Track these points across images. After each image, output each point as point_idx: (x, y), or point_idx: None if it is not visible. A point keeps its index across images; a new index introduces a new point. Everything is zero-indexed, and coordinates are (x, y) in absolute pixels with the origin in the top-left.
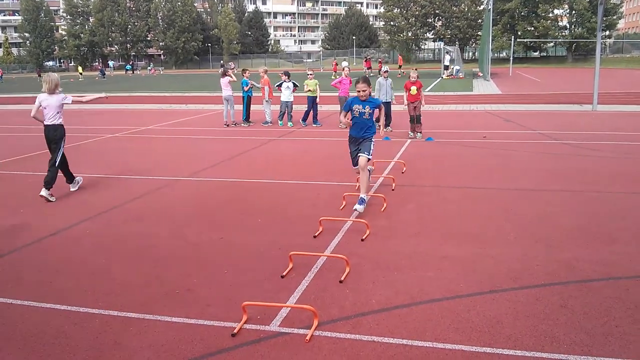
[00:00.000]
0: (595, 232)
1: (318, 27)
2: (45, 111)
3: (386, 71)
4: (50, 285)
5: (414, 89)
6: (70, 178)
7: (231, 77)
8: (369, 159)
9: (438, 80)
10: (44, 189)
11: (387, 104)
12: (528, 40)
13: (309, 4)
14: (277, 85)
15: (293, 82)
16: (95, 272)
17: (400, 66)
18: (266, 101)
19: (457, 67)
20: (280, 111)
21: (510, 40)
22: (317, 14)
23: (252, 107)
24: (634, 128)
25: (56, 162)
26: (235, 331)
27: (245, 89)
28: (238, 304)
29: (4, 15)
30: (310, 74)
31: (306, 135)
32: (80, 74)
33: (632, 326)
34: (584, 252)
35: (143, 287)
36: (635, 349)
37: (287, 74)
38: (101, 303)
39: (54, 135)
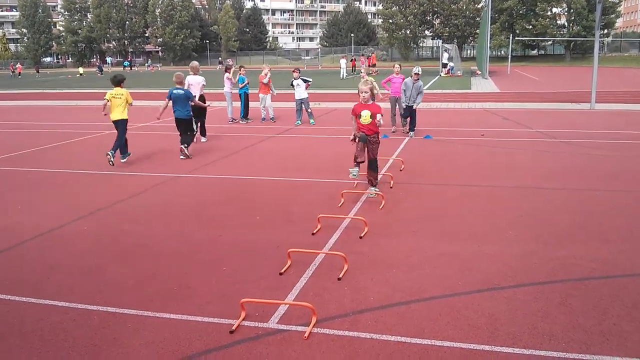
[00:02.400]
0: (594, 230)
1: (316, 24)
2: (191, 87)
3: (417, 73)
4: (48, 281)
5: (365, 114)
6: (204, 133)
7: (229, 74)
8: None
9: (436, 78)
10: (202, 137)
11: (409, 108)
12: (526, 38)
13: (307, 1)
14: (291, 84)
15: (303, 79)
16: (94, 269)
17: (373, 65)
18: (262, 98)
19: (451, 65)
20: (296, 108)
21: (509, 38)
22: (316, 11)
23: (252, 104)
24: (632, 126)
25: (203, 121)
26: (234, 328)
27: (241, 85)
28: (236, 301)
29: (2, 10)
30: (364, 73)
31: (304, 132)
32: (81, 74)
33: (630, 324)
34: (582, 250)
35: (141, 284)
36: (633, 347)
37: (298, 70)
38: (99, 300)
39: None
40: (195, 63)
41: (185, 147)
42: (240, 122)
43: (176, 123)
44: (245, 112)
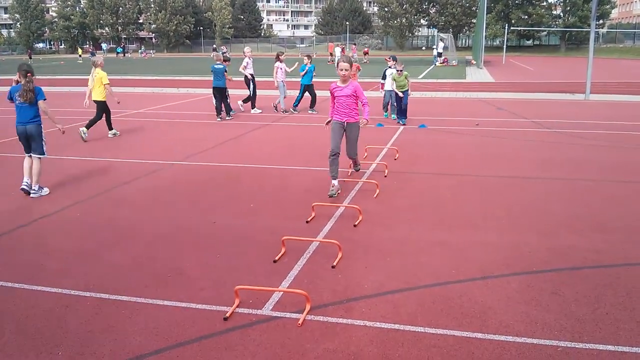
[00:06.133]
0: (587, 220)
1: (311, 11)
2: (247, 66)
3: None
4: (41, 267)
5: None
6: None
7: (280, 62)
8: None
9: (431, 67)
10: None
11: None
12: (521, 28)
13: None
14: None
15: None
16: (87, 255)
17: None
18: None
19: (436, 53)
20: (385, 101)
21: (504, 28)
22: None
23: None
24: (626, 117)
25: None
26: (228, 315)
27: (302, 74)
28: (230, 288)
29: None
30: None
31: (300, 120)
32: (80, 55)
33: (622, 313)
34: (575, 239)
35: (135, 271)
36: (625, 335)
37: (394, 58)
38: (93, 286)
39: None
40: (247, 48)
41: (227, 115)
42: (292, 111)
43: (213, 91)
44: (298, 102)
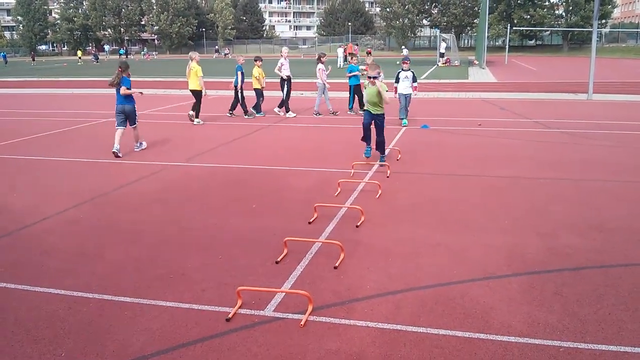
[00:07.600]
0: (589, 220)
1: (313, 12)
2: (283, 67)
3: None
4: (44, 269)
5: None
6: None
7: (322, 65)
8: None
9: (433, 67)
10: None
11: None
12: (524, 28)
13: None
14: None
15: (413, 72)
16: (89, 256)
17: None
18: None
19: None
20: (400, 105)
21: (506, 28)
22: (313, 0)
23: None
24: (629, 117)
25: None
26: (230, 316)
27: (348, 75)
28: (233, 289)
29: None
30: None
31: (302, 122)
32: (80, 58)
33: (624, 313)
34: (578, 240)
35: (137, 272)
36: (628, 335)
37: (408, 60)
38: (95, 287)
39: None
40: (285, 49)
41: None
42: (349, 113)
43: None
44: (352, 104)
